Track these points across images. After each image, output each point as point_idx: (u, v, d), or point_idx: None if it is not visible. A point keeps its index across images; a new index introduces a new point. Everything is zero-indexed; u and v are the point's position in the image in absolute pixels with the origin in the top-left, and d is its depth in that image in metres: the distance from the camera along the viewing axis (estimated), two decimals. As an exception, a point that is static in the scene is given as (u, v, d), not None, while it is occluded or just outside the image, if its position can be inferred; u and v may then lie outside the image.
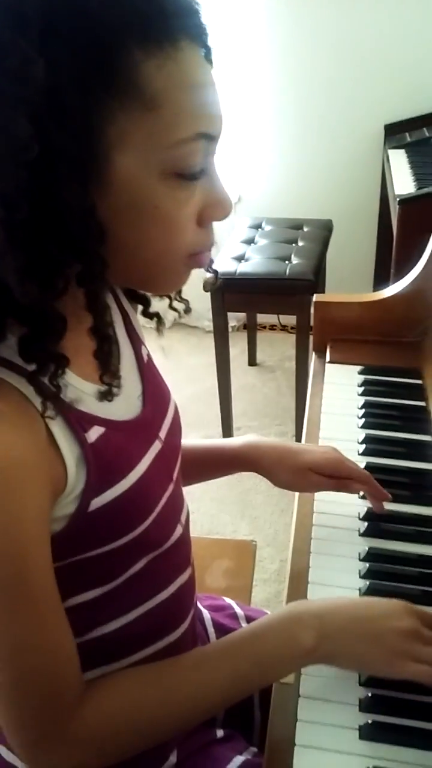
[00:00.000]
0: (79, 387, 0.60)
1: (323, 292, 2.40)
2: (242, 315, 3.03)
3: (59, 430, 0.57)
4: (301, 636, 0.65)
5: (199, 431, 2.45)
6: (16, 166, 0.46)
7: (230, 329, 2.32)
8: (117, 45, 0.48)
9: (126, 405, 0.66)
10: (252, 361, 2.92)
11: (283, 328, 3.13)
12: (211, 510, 2.14)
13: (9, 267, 0.48)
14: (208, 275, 0.70)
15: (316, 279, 2.14)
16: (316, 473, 0.85)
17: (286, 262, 2.21)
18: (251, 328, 2.86)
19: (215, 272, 0.70)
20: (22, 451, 0.52)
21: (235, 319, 3.09)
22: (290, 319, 2.94)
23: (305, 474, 0.85)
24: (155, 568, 0.69)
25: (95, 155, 0.50)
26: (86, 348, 0.57)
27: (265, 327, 3.13)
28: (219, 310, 2.19)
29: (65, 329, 0.53)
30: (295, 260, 2.21)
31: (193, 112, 0.52)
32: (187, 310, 0.73)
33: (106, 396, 0.62)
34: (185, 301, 0.73)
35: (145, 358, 0.74)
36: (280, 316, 3.08)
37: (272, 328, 3.16)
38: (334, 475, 0.86)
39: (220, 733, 0.80)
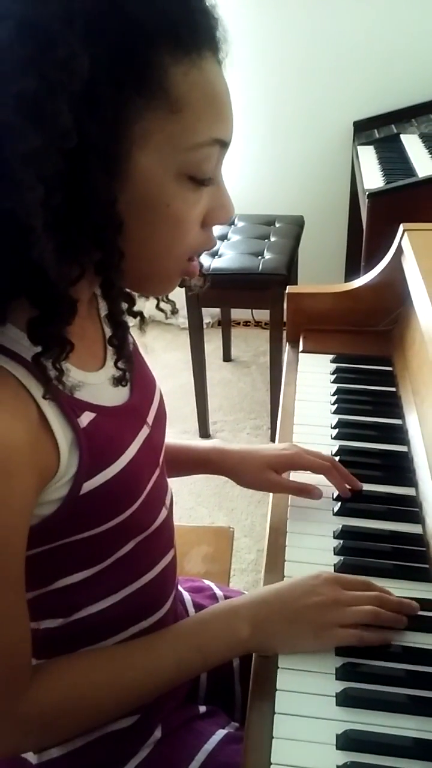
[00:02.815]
0: (74, 375, 0.62)
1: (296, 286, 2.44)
2: (216, 312, 3.06)
3: (53, 416, 0.58)
4: (238, 627, 0.69)
5: (176, 427, 2.47)
6: (57, 153, 0.48)
7: (205, 326, 2.34)
8: (150, 49, 0.51)
9: (115, 391, 0.68)
10: (227, 357, 2.95)
11: (257, 324, 3.16)
12: (188, 503, 2.16)
13: (47, 248, 0.50)
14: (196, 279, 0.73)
15: (288, 274, 2.17)
16: (275, 472, 0.89)
17: (259, 257, 2.24)
18: (225, 325, 2.88)
19: (204, 276, 0.73)
20: (18, 437, 0.54)
21: (209, 315, 3.11)
22: (264, 315, 2.97)
23: (265, 473, 0.89)
24: (142, 550, 0.71)
25: (120, 150, 0.53)
26: (79, 337, 0.58)
27: (239, 323, 3.16)
28: (194, 305, 2.22)
29: (75, 314, 0.55)
30: (267, 255, 2.24)
31: (211, 119, 0.56)
32: (174, 312, 0.76)
33: (120, 381, 0.65)
34: (171, 303, 0.76)
35: (131, 346, 0.76)
36: (254, 312, 3.12)
37: (246, 324, 3.19)
38: (293, 469, 0.91)
39: (202, 708, 0.83)
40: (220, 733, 0.78)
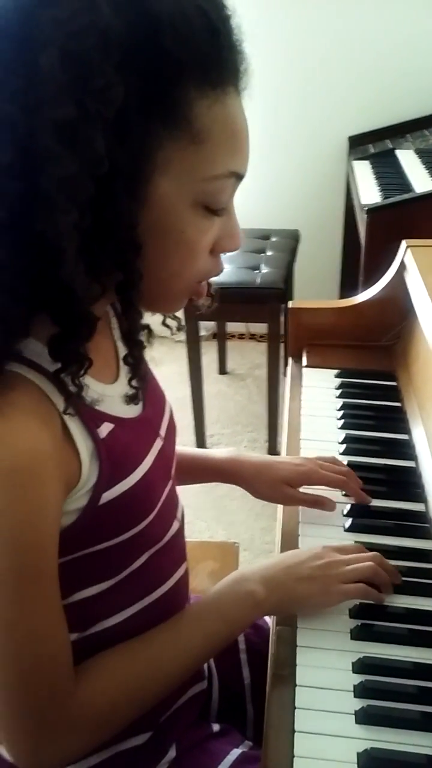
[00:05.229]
0: (91, 386, 0.63)
1: (292, 300, 2.45)
2: (211, 324, 3.06)
3: (74, 426, 0.60)
4: (253, 590, 0.73)
5: (173, 440, 2.46)
6: (89, 179, 0.50)
7: (200, 338, 2.35)
8: (179, 81, 0.53)
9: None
10: (222, 370, 2.95)
11: (252, 336, 3.17)
12: (187, 516, 2.14)
13: (78, 270, 0.52)
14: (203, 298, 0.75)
15: (285, 287, 2.19)
16: (290, 486, 0.91)
17: (256, 271, 2.25)
18: (221, 337, 2.89)
19: (212, 296, 0.74)
20: (46, 444, 0.55)
21: (204, 328, 3.11)
22: (258, 328, 2.99)
23: (280, 487, 0.91)
24: (155, 563, 0.72)
25: (143, 176, 0.55)
26: (94, 351, 0.59)
27: (234, 336, 3.17)
28: (190, 319, 2.22)
29: (94, 331, 0.56)
30: (264, 269, 2.25)
31: (229, 152, 0.58)
32: (180, 328, 0.78)
33: (134, 399, 0.67)
34: (177, 319, 0.78)
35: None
36: (249, 325, 3.13)
37: (241, 336, 3.19)
38: (309, 484, 0.91)
39: (216, 727, 0.83)
40: (235, 753, 0.78)
